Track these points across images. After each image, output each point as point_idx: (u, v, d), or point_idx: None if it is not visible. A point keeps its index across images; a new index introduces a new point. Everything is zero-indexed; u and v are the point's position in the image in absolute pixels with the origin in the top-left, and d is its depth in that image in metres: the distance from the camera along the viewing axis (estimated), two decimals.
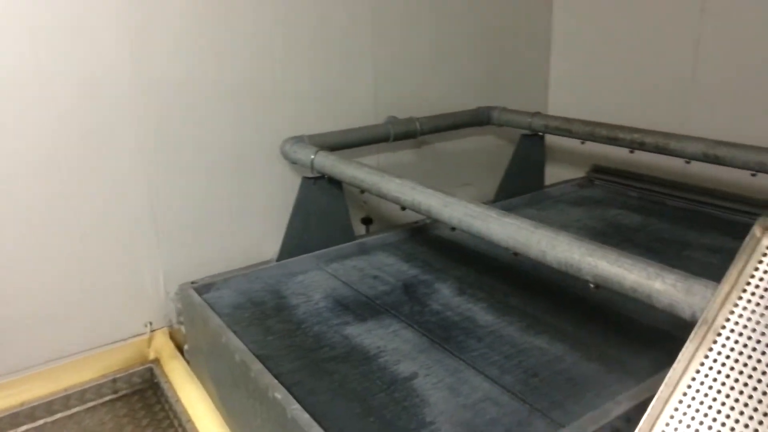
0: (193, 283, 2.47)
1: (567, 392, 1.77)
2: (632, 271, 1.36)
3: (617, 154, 3.10)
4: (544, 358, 1.94)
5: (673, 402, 1.15)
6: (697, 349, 1.18)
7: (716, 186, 3.06)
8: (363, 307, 2.30)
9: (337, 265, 2.68)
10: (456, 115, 3.25)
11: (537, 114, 3.19)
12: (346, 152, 2.85)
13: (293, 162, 2.72)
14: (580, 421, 1.57)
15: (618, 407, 1.59)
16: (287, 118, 2.81)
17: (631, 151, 2.77)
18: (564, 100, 3.79)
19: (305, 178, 2.63)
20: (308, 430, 1.53)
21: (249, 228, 2.83)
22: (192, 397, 2.27)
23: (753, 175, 2.39)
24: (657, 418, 1.14)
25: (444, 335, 2.09)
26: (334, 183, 2.65)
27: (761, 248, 1.21)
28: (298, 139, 2.73)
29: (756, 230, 1.22)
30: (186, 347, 2.52)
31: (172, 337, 2.66)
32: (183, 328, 2.51)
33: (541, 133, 3.23)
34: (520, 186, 3.34)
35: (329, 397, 1.78)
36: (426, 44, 3.23)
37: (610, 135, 2.79)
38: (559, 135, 3.09)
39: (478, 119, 3.34)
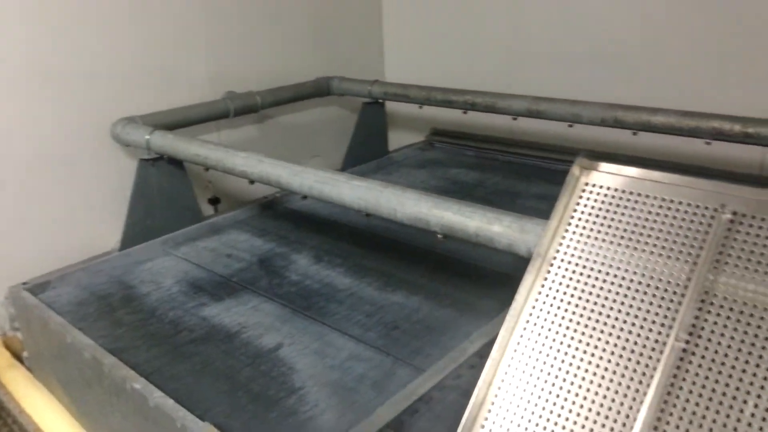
0: (24, 284, 2.25)
1: (426, 339, 1.88)
2: (473, 218, 1.46)
3: (453, 116, 3.28)
4: (402, 312, 2.03)
5: (519, 330, 1.27)
6: (534, 280, 1.30)
7: (540, 139, 3.36)
8: (219, 286, 2.24)
9: (187, 248, 2.57)
10: (296, 86, 3.23)
11: (376, 82, 3.27)
12: (184, 132, 2.72)
13: (126, 144, 2.55)
14: (440, 363, 1.68)
15: (472, 345, 1.72)
16: (114, 98, 2.62)
17: (465, 112, 2.95)
18: (400, 66, 3.92)
19: (142, 160, 2.48)
20: (174, 415, 1.48)
21: (85, 219, 2.62)
22: (38, 406, 2.09)
23: (570, 126, 2.65)
24: (506, 345, 1.26)
25: (305, 304, 2.10)
26: (175, 163, 2.53)
27: (580, 185, 1.36)
28: (130, 120, 2.56)
29: (575, 170, 1.36)
30: (25, 354, 2.30)
31: (7, 346, 2.41)
32: (19, 335, 2.29)
33: (381, 100, 3.32)
34: (366, 153, 3.42)
35: (193, 380, 1.73)
36: (260, 15, 3.16)
37: (445, 98, 2.94)
38: (398, 101, 3.20)
39: (318, 90, 3.35)
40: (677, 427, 1.07)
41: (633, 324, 1.18)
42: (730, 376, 1.06)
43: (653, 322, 1.16)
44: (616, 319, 1.20)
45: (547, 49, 3.24)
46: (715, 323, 1.11)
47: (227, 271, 2.35)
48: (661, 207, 1.26)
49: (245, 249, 2.53)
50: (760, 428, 1.01)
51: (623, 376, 1.14)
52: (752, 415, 1.02)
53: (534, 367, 1.23)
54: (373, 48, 3.91)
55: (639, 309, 1.19)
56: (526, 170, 3.32)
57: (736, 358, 1.07)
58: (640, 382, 1.12)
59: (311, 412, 1.59)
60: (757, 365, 1.05)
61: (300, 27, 3.39)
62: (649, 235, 1.24)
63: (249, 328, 1.96)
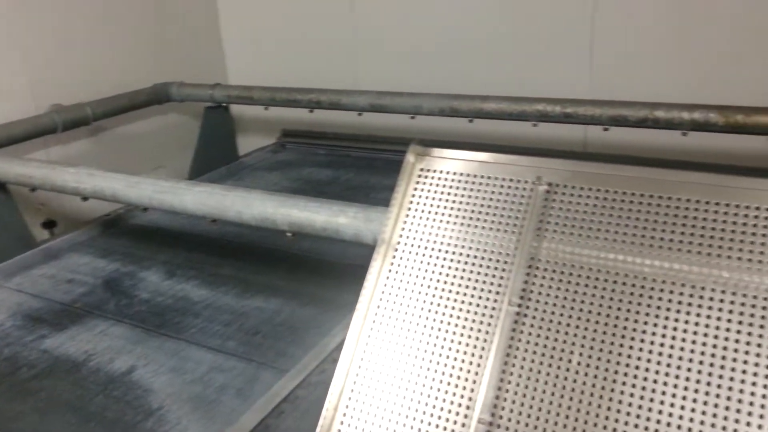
0: None
1: (289, 340, 1.87)
2: (320, 212, 1.47)
3: (303, 116, 3.28)
4: (263, 316, 2.00)
5: (371, 314, 1.31)
6: (381, 266, 1.34)
7: (388, 133, 3.45)
8: (60, 315, 2.07)
9: (21, 278, 2.35)
10: (132, 95, 3.06)
11: (217, 85, 3.18)
12: (4, 152, 2.48)
13: None
14: (303, 361, 1.68)
15: (334, 340, 1.73)
16: None
17: (311, 111, 2.96)
18: (244, 69, 3.84)
19: None
20: None
21: None
22: None
23: (412, 118, 2.76)
24: (360, 329, 1.29)
25: (158, 321, 2.01)
26: None
27: (416, 171, 1.42)
28: None
29: (409, 157, 1.42)
30: None
31: None
32: None
33: (224, 104, 3.24)
34: (214, 160, 3.32)
35: (38, 417, 1.59)
36: (86, 16, 2.95)
37: (290, 98, 2.94)
38: (241, 104, 3.15)
39: (157, 97, 3.20)
40: (518, 384, 1.15)
41: (473, 296, 1.25)
42: (558, 331, 1.17)
43: (489, 291, 1.25)
44: (458, 293, 1.27)
45: (388, 45, 3.34)
46: (542, 285, 1.21)
47: (69, 297, 2.18)
48: (488, 185, 1.35)
49: (87, 272, 2.36)
50: (585, 374, 1.12)
51: (467, 345, 1.22)
52: (578, 363, 1.13)
53: (388, 349, 1.27)
54: (214, 51, 3.80)
55: (477, 281, 1.26)
56: (378, 164, 3.41)
57: (561, 315, 1.18)
58: (483, 348, 1.20)
59: (173, 431, 1.52)
60: (579, 318, 1.16)
61: (133, 30, 3.21)
62: (480, 212, 1.32)
63: (98, 355, 1.83)
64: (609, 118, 2.29)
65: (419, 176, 1.42)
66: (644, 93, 2.43)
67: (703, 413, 1.03)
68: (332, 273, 2.25)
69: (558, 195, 1.27)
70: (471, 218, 1.33)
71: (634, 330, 1.12)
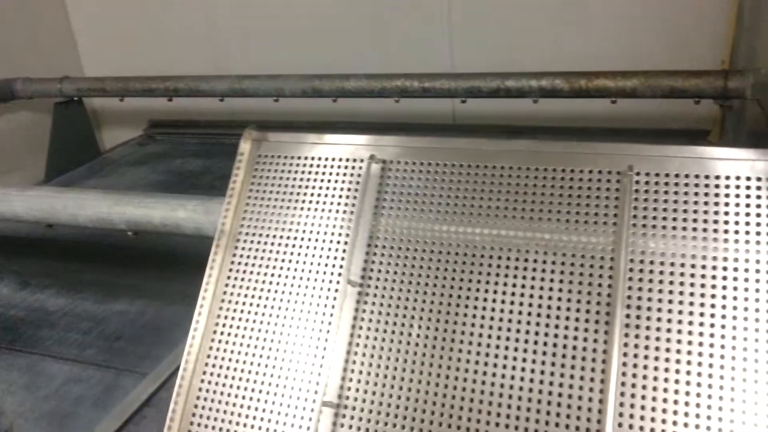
0: None
1: (153, 342, 1.80)
2: (157, 207, 1.41)
3: (172, 105, 3.12)
4: (126, 320, 1.91)
5: (216, 304, 1.27)
6: (224, 257, 1.31)
7: (257, 117, 3.36)
8: None
9: None
10: None
11: (65, 78, 2.97)
12: None
13: None
14: (164, 363, 1.62)
15: None
16: None
17: (170, 100, 2.83)
18: (99, 61, 3.60)
19: None
20: None
21: None
22: None
23: (275, 101, 2.70)
24: (206, 321, 1.25)
25: (10, 337, 1.87)
26: None
27: (253, 157, 1.38)
28: None
29: (245, 143, 1.38)
30: None
31: None
32: None
33: (76, 98, 3.04)
34: (73, 158, 3.12)
35: None
36: None
37: (145, 87, 2.79)
38: (94, 96, 2.96)
39: (1, 95, 2.94)
40: (362, 363, 1.16)
41: (316, 279, 1.25)
42: (398, 306, 1.19)
43: (332, 273, 1.24)
44: (301, 278, 1.26)
45: (249, 28, 3.24)
46: (381, 263, 1.22)
47: None
48: (326, 166, 1.34)
49: None
50: (425, 345, 1.15)
51: (312, 330, 1.21)
52: (418, 336, 1.16)
53: (235, 341, 1.24)
54: (65, 42, 3.54)
55: (319, 264, 1.26)
56: None
57: (401, 290, 1.20)
58: (328, 332, 1.20)
59: None
60: (416, 291, 1.18)
61: None
62: (319, 194, 1.31)
63: None
64: (464, 90, 2.34)
65: (258, 162, 1.39)
66: (508, 63, 2.51)
67: (533, 371, 1.08)
68: (201, 269, 2.17)
69: (392, 172, 1.28)
70: (311, 201, 1.32)
71: (467, 297, 1.16)
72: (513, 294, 1.14)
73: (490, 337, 1.12)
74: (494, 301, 1.14)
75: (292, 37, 3.13)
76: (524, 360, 1.09)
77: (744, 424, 0.96)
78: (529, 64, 2.42)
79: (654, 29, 2.58)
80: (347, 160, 1.32)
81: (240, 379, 1.22)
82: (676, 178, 1.12)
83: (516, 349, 1.10)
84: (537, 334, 1.10)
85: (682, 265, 1.07)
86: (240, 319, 1.26)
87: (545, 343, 1.09)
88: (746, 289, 1.03)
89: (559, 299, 1.11)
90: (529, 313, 1.12)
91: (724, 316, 1.02)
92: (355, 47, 3.03)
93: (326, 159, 1.34)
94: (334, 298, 1.22)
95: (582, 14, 2.65)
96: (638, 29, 2.60)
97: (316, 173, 1.33)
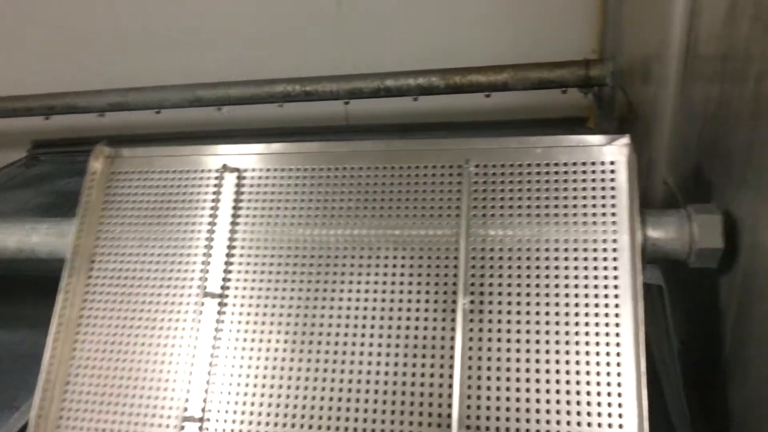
0: None
1: (33, 371, 1.72)
2: (12, 233, 1.36)
3: (56, 123, 2.98)
4: (3, 350, 1.83)
5: (72, 329, 1.24)
6: (79, 279, 1.27)
7: (144, 130, 3.25)
8: None
9: None
10: None
11: None
12: None
13: None
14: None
15: None
16: None
17: (47, 118, 2.72)
18: None
19: None
20: None
21: None
22: None
23: (157, 113, 2.64)
24: (62, 348, 1.21)
25: None
26: None
27: (106, 174, 1.35)
28: None
29: (95, 161, 1.35)
30: None
31: None
32: None
33: None
34: None
35: None
36: None
37: (17, 107, 2.66)
38: None
39: None
40: (224, 375, 1.16)
41: (175, 295, 1.23)
42: (257, 314, 1.19)
43: (191, 287, 1.23)
44: (159, 295, 1.24)
45: (125, 36, 3.13)
46: (239, 272, 1.22)
47: None
48: (179, 178, 1.32)
49: None
50: (286, 350, 1.16)
51: (173, 346, 1.20)
52: (277, 341, 1.16)
53: (96, 359, 1.22)
54: None
55: (178, 279, 1.25)
56: None
57: (260, 297, 1.20)
58: (190, 346, 1.19)
59: None
60: (275, 297, 1.19)
61: None
62: (174, 207, 1.30)
63: None
64: (346, 92, 2.37)
65: (111, 179, 1.36)
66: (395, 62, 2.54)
67: (387, 364, 1.11)
68: None
69: (247, 180, 1.28)
70: (167, 216, 1.30)
71: (324, 299, 1.18)
72: (367, 291, 1.17)
73: (347, 335, 1.15)
74: (349, 299, 1.17)
75: (174, 46, 3.06)
76: (379, 354, 1.12)
77: (589, 405, 1.02)
78: (411, 62, 2.47)
79: (529, 23, 2.69)
80: (202, 171, 1.31)
81: (102, 402, 1.19)
82: (511, 168, 1.18)
83: (371, 344, 1.13)
84: (390, 328, 1.13)
85: (519, 249, 1.12)
86: (99, 342, 1.23)
87: (398, 336, 1.13)
88: (585, 268, 1.10)
89: (410, 292, 1.15)
90: (383, 309, 1.15)
91: (567, 296, 1.09)
92: (238, 52, 2.99)
93: (181, 171, 1.32)
94: (195, 312, 1.21)
95: (462, 11, 2.73)
96: (515, 24, 2.70)
97: (172, 186, 1.32)
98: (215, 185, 1.29)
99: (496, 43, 2.61)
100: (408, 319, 1.13)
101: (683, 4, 1.42)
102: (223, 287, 1.22)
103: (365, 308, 1.16)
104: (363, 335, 1.14)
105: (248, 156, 1.30)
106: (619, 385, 1.02)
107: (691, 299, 1.25)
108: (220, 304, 1.21)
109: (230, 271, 1.23)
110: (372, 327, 1.14)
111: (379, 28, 2.84)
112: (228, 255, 1.24)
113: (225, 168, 1.28)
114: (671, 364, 1.21)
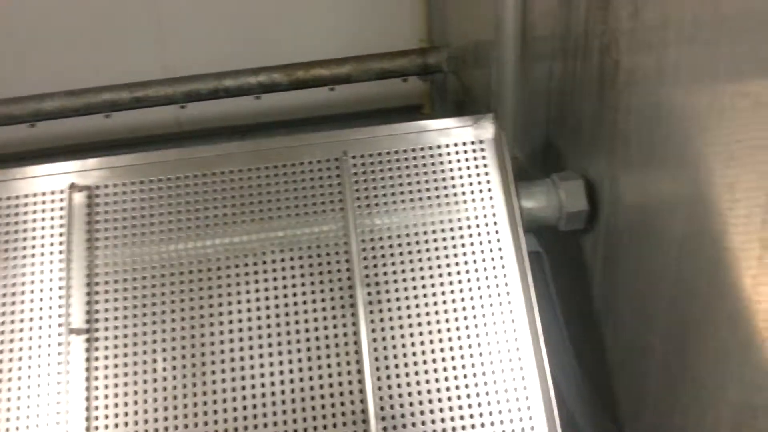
0: None
1: None
2: None
3: None
4: None
5: None
6: None
7: None
8: None
9: None
10: None
11: None
12: None
13: None
14: None
15: None
16: None
17: None
18: None
19: None
20: None
21: None
22: None
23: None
24: None
25: None
26: None
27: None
28: None
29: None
30: None
31: None
32: None
33: None
34: None
35: None
36: None
37: None
38: None
39: None
40: (106, 417, 1.03)
41: (31, 338, 1.07)
42: (136, 344, 1.07)
43: (50, 326, 1.08)
44: (12, 340, 1.07)
45: None
46: (107, 300, 1.09)
47: None
48: (25, 204, 1.15)
49: None
50: (174, 377, 1.05)
51: (37, 395, 1.04)
52: (164, 369, 1.06)
53: None
54: None
55: (32, 319, 1.08)
56: None
57: (136, 325, 1.08)
58: (59, 393, 1.04)
59: None
60: (154, 322, 1.08)
61: None
62: (16, 239, 1.12)
63: None
64: (183, 95, 2.22)
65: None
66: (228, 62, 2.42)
67: (291, 371, 1.06)
68: None
69: (102, 198, 1.15)
70: (14, 248, 1.12)
71: (211, 315, 1.09)
72: (258, 300, 1.10)
73: (242, 349, 1.07)
74: (240, 312, 1.09)
75: None
76: (281, 363, 1.07)
77: (494, 374, 1.05)
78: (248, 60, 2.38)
79: (358, 15, 2.72)
80: (47, 193, 1.14)
81: None
82: (387, 155, 1.18)
83: (271, 354, 1.07)
84: (289, 333, 1.08)
85: (407, 235, 1.13)
86: None
87: (298, 341, 1.08)
88: (471, 244, 1.13)
89: (304, 293, 1.10)
90: (278, 315, 1.09)
91: (458, 273, 1.11)
92: (56, 62, 2.68)
93: (24, 196, 1.14)
94: (59, 354, 1.06)
95: (290, 6, 2.68)
96: (346, 17, 2.71)
97: (16, 215, 1.13)
98: (62, 207, 1.13)
99: (331, 37, 2.61)
100: (307, 321, 1.09)
101: None
102: (89, 321, 1.08)
103: (259, 318, 1.09)
104: (261, 346, 1.08)
105: (99, 171, 1.16)
106: (517, 350, 1.07)
107: (566, 262, 1.35)
108: (88, 340, 1.07)
109: (96, 302, 1.09)
110: (269, 336, 1.08)
111: (203, 28, 2.71)
112: (89, 284, 1.10)
113: (73, 187, 1.13)
114: (555, 324, 1.30)
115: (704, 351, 0.85)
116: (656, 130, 0.95)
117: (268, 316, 1.09)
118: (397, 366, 1.06)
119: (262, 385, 1.05)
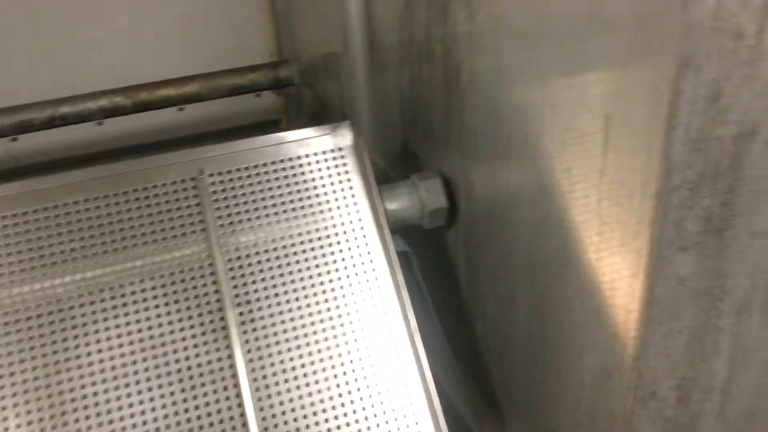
0: None
1: None
2: None
3: None
4: None
5: None
6: None
7: None
8: None
9: None
10: None
11: None
12: None
13: None
14: None
15: None
16: None
17: None
18: None
19: None
20: None
21: None
22: None
23: None
24: None
25: None
26: None
27: None
28: None
29: None
30: None
31: None
32: None
33: None
34: None
35: None
36: None
37: None
38: None
39: None
40: None
41: None
42: None
43: None
44: None
45: None
46: None
47: None
48: None
49: None
50: None
51: None
52: (18, 426, 0.95)
53: None
54: None
55: None
56: None
57: None
58: None
59: None
60: (1, 376, 0.97)
61: None
62: None
63: None
64: (12, 127, 2.03)
65: None
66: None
67: (164, 406, 1.00)
68: None
69: None
70: None
71: (68, 360, 1.00)
72: (119, 336, 1.03)
73: (107, 391, 1.00)
74: (100, 351, 1.01)
75: None
76: (152, 399, 1.00)
77: (375, 377, 1.06)
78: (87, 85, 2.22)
79: (208, 32, 2.63)
80: None
81: None
82: (247, 170, 1.16)
83: (140, 392, 1.00)
84: (158, 367, 1.02)
85: (275, 249, 1.11)
86: None
87: (169, 373, 1.02)
88: (341, 251, 1.13)
89: (171, 323, 1.05)
90: (143, 349, 1.02)
91: (330, 281, 1.11)
92: None
93: None
94: None
95: (138, 25, 2.54)
96: (196, 35, 2.62)
97: None
98: None
99: (178, 57, 2.51)
100: (176, 351, 1.03)
101: (357, 3, 1.55)
102: None
103: (122, 355, 1.02)
104: (128, 385, 1.00)
105: None
106: (396, 348, 1.09)
107: (434, 259, 1.40)
108: None
109: None
110: (136, 373, 1.01)
111: (34, 52, 2.49)
112: None
113: None
114: (429, 320, 1.34)
115: (562, 323, 0.92)
116: (499, 126, 1.01)
117: (132, 352, 1.02)
118: (277, 383, 1.03)
119: (134, 426, 0.98)
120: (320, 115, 2.33)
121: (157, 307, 1.05)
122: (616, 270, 0.77)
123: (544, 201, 0.92)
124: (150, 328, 1.04)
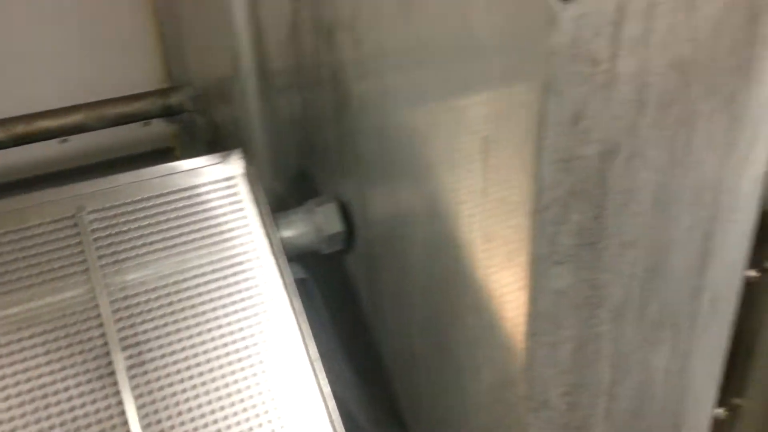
0: None
1: None
2: None
3: None
4: None
5: None
6: None
7: None
8: None
9: None
10: None
11: None
12: None
13: None
14: None
15: None
16: None
17: None
18: None
19: None
20: None
21: None
22: None
23: None
24: None
25: None
26: None
27: None
28: None
29: None
30: None
31: None
32: None
33: None
34: None
35: None
36: None
37: None
38: None
39: None
40: None
41: None
42: None
43: None
44: None
45: None
46: None
47: None
48: None
49: None
50: None
51: None
52: None
53: None
54: None
55: None
56: None
57: None
58: None
59: None
60: None
61: None
62: None
63: None
64: None
65: None
66: None
67: None
68: None
69: None
70: None
71: None
72: None
73: None
74: None
75: None
76: None
77: (277, 407, 1.03)
78: None
79: (95, 62, 2.50)
80: None
81: None
82: (131, 205, 1.10)
83: None
84: (39, 422, 0.94)
85: (165, 285, 1.06)
86: None
87: (52, 427, 0.95)
88: (236, 282, 1.10)
89: (52, 372, 0.97)
90: (21, 404, 0.94)
91: (226, 315, 1.07)
92: None
93: None
94: None
95: (10, 54, 2.37)
96: (81, 64, 2.48)
97: None
98: None
99: (62, 87, 2.37)
100: (59, 403, 0.96)
101: (246, 29, 1.53)
102: None
103: (0, 412, 0.94)
104: None
105: None
106: (297, 377, 1.06)
107: (335, 284, 1.39)
108: None
109: None
110: (14, 430, 0.93)
111: None
112: None
113: None
114: (330, 344, 1.33)
115: (457, 339, 0.93)
116: (389, 149, 1.03)
117: (9, 408, 0.94)
118: (173, 428, 0.98)
119: None
120: (216, 142, 2.27)
121: (36, 356, 0.98)
122: (504, 285, 0.80)
123: (434, 221, 0.94)
124: (29, 380, 0.96)
